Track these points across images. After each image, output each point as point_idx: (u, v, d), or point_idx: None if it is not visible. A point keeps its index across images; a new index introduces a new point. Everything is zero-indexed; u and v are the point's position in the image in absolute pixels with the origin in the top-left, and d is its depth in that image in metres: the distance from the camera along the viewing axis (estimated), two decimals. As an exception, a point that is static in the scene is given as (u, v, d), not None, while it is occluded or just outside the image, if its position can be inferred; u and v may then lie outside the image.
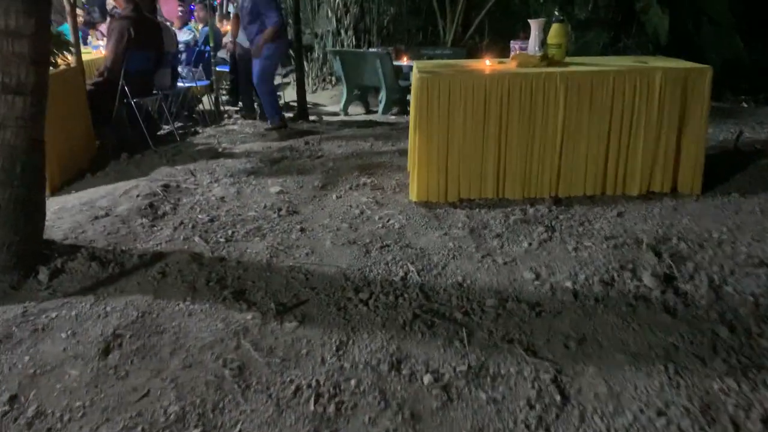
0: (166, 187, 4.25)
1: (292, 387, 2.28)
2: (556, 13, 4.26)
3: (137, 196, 4.06)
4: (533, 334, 2.58)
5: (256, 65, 6.08)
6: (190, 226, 3.66)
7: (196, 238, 3.48)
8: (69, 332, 2.63)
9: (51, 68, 4.77)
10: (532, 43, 4.20)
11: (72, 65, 4.95)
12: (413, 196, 4.04)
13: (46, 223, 3.71)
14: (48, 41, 3.16)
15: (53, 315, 2.74)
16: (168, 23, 7.00)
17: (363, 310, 2.81)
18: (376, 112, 8.06)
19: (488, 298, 2.85)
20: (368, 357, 2.45)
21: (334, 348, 2.54)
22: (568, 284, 2.94)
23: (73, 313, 2.76)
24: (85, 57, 5.74)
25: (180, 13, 8.49)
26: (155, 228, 3.65)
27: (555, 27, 4.15)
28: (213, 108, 7.27)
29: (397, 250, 3.37)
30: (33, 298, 2.90)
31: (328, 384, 2.29)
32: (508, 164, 3.95)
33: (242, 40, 6.57)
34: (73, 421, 2.19)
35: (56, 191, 4.50)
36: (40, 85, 3.08)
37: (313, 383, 2.29)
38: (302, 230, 3.64)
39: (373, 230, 3.64)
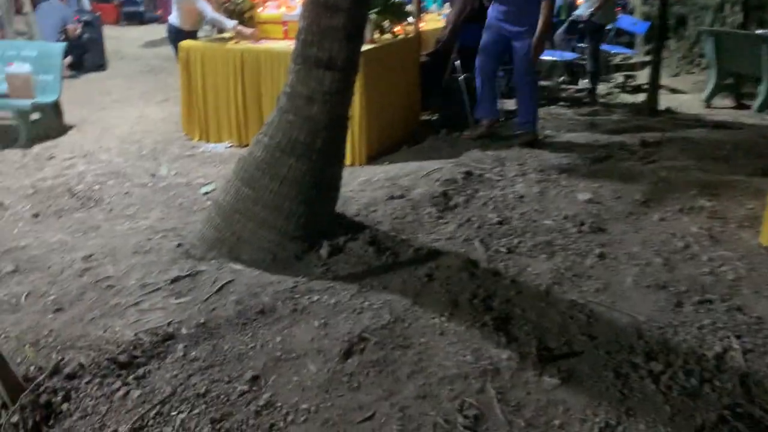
0: (467, 174, 3.98)
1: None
2: None
3: (436, 180, 3.88)
4: None
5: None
6: (475, 225, 3.33)
7: (477, 242, 3.14)
8: (322, 321, 2.55)
9: (391, 37, 4.88)
10: None
11: (410, 35, 4.97)
12: (766, 239, 3.05)
13: (348, 193, 3.80)
14: (364, 17, 3.08)
15: (315, 298, 2.71)
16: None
17: (649, 387, 2.16)
18: (749, 108, 6.58)
19: None
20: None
21: (596, 430, 1.98)
22: None
23: (333, 300, 2.69)
24: (430, 26, 5.77)
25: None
26: (441, 220, 3.42)
27: None
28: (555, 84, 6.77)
29: (722, 312, 2.55)
30: (307, 273, 2.92)
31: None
32: None
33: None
34: (295, 423, 2.09)
35: (373, 160, 4.61)
36: (352, 61, 3.03)
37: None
38: (601, 256, 3.02)
39: (695, 275, 2.83)
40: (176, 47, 5.17)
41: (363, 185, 4.00)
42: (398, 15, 4.66)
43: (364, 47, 3.36)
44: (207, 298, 2.75)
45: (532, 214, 3.46)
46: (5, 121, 5.31)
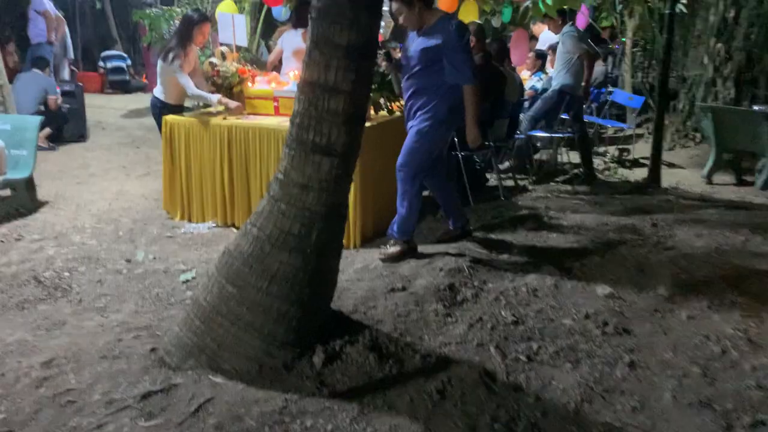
0: (474, 262, 3.66)
1: None
2: None
3: (440, 270, 3.55)
4: None
5: None
6: (488, 325, 2.99)
7: (492, 348, 2.79)
8: (318, 453, 2.16)
9: (386, 114, 4.66)
10: None
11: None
12: (813, 343, 2.74)
13: (344, 283, 3.45)
14: (366, 99, 2.81)
15: (309, 423, 2.32)
16: (514, 70, 6.51)
17: None
18: (751, 184, 6.41)
19: None
20: None
21: None
22: None
23: (330, 427, 2.30)
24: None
25: (528, 60, 8.00)
26: (449, 319, 3.07)
27: None
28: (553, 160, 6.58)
29: (781, 439, 2.20)
30: (299, 388, 2.54)
31: None
32: None
33: None
34: None
35: (369, 242, 4.29)
36: (351, 146, 2.75)
37: None
38: (631, 364, 2.67)
39: (741, 389, 2.50)
40: (160, 121, 4.90)
41: (360, 273, 3.66)
42: (395, 92, 4.45)
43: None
44: (182, 422, 2.35)
45: (549, 311, 3.13)
46: (-27, 197, 4.96)
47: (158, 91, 4.95)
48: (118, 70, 11.86)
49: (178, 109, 5.02)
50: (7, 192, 5.09)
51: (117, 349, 2.96)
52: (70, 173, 6.42)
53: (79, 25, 12.73)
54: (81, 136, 7.82)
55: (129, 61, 12.13)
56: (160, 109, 4.92)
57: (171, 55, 4.74)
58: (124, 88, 11.77)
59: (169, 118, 4.75)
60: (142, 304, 3.58)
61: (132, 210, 5.22)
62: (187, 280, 3.88)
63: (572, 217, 4.69)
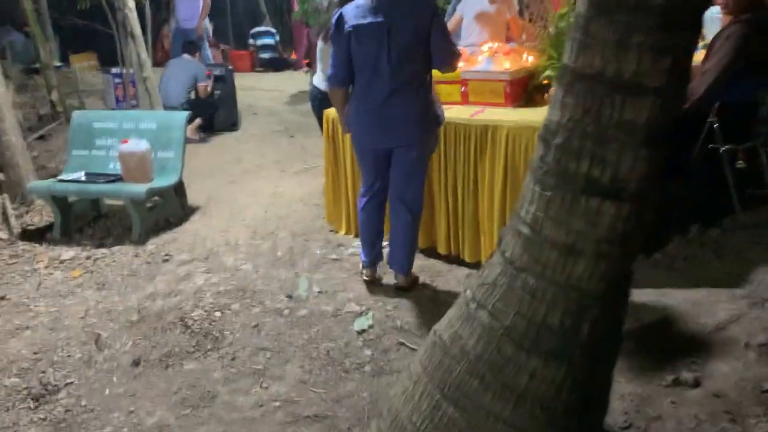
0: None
1: None
2: None
3: (746, 345, 2.33)
4: None
5: None
6: None
7: None
8: None
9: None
10: None
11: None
12: None
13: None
14: (681, 102, 1.67)
15: None
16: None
17: None
18: None
19: None
20: None
21: None
22: None
23: None
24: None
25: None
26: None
27: None
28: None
29: None
30: None
31: None
32: None
33: None
34: None
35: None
36: (650, 183, 1.63)
37: None
38: None
39: None
40: (320, 114, 4.04)
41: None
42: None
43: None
44: None
45: None
46: (122, 202, 4.43)
47: (318, 80, 4.07)
48: (267, 48, 11.37)
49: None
50: (155, 198, 4.52)
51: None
52: (222, 170, 5.82)
53: (229, 1, 12.42)
54: (233, 125, 7.27)
55: (278, 37, 11.60)
56: (320, 101, 4.05)
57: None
58: (273, 65, 11.27)
59: (332, 112, 3.84)
60: (310, 368, 2.74)
61: (290, 219, 4.45)
62: (363, 330, 3.00)
63: None
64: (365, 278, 3.43)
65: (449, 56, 2.94)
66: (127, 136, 4.36)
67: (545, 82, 3.53)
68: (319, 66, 4.05)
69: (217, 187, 5.32)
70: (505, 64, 3.55)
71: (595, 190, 1.59)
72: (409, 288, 3.34)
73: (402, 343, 2.86)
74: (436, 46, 2.88)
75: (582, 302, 1.64)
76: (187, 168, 4.79)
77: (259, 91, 9.30)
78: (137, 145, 4.25)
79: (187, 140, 5.75)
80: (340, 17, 2.98)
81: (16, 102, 6.98)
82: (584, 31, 1.55)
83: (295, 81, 9.74)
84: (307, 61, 8.60)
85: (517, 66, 3.56)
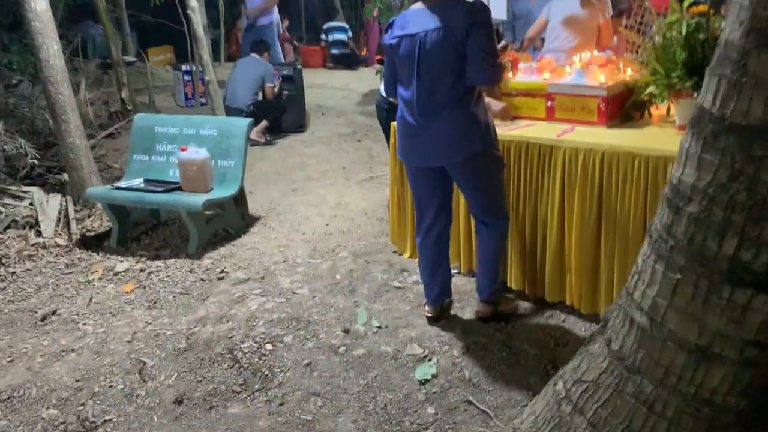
0: None
1: None
2: None
3: None
4: None
5: None
6: None
7: None
8: None
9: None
10: None
11: None
12: None
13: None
14: None
15: None
16: None
17: None
18: None
19: None
20: None
21: None
22: None
23: None
24: None
25: None
26: None
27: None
28: None
29: None
30: None
31: None
32: None
33: None
34: None
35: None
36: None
37: None
38: None
39: None
40: (387, 126, 3.71)
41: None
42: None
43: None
44: None
45: None
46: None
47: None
48: (339, 44, 11.14)
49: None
50: (215, 209, 4.32)
51: None
52: (286, 176, 5.60)
53: (303, -5, 12.31)
54: (300, 126, 7.05)
55: (350, 33, 11.36)
56: (387, 112, 3.72)
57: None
58: (345, 62, 11.04)
59: (401, 125, 3.50)
60: (365, 425, 2.43)
61: (352, 235, 4.16)
62: (426, 380, 2.66)
63: None
64: (427, 314, 3.10)
65: (484, 71, 2.58)
66: (187, 143, 4.16)
67: (645, 98, 3.08)
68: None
69: (279, 195, 5.10)
70: (600, 78, 3.11)
71: (745, 279, 1.19)
72: (493, 317, 3.02)
73: (470, 402, 2.50)
74: (469, 59, 2.58)
75: (716, 422, 1.24)
76: (251, 172, 4.58)
77: (330, 89, 9.07)
78: (196, 153, 4.04)
79: (253, 143, 5.59)
80: (390, 26, 2.79)
81: (89, 98, 7.00)
82: (738, 66, 1.15)
83: (366, 79, 9.48)
84: (379, 57, 8.30)
85: (614, 80, 3.11)
